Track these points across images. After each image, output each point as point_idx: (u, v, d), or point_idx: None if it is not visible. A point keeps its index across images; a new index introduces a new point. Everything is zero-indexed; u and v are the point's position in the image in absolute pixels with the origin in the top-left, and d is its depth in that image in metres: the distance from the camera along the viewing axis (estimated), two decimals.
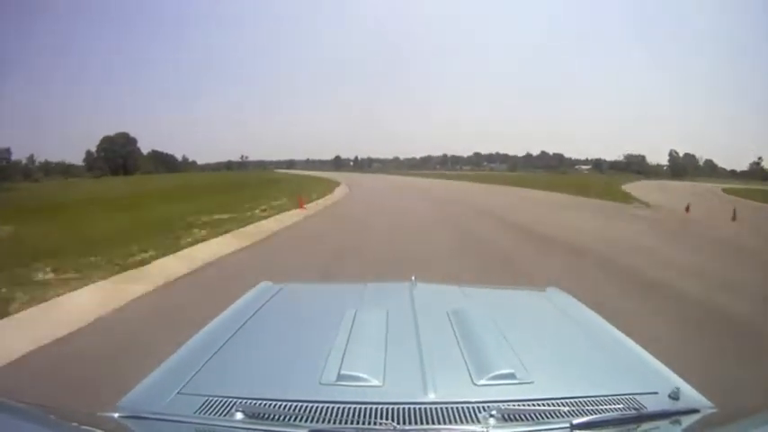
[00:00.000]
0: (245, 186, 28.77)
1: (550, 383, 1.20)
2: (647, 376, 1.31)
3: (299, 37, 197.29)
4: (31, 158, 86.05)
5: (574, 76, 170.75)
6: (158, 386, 1.23)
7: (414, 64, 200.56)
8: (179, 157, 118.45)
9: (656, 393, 1.20)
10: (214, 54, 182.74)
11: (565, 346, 1.55)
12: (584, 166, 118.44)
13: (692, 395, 1.23)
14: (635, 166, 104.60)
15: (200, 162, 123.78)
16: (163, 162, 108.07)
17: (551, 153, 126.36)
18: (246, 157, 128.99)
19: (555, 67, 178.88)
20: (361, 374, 1.18)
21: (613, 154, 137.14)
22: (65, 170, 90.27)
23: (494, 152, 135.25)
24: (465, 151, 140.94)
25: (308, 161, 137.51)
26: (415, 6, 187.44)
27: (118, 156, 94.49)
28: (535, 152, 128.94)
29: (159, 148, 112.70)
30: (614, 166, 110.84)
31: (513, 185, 35.71)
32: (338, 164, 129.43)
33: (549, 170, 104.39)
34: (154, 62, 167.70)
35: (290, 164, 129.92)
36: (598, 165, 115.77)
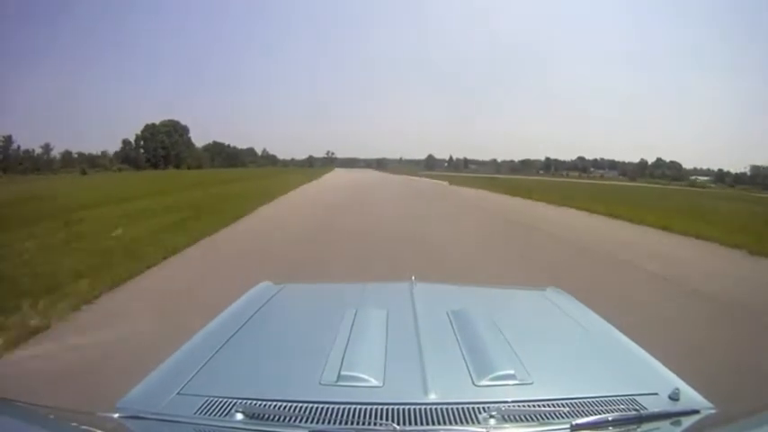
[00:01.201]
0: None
1: (550, 384, 1.20)
2: (647, 377, 1.31)
3: (394, 35, 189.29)
4: (46, 148, 76.63)
5: (703, 72, 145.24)
6: (158, 386, 1.22)
7: (514, 64, 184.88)
8: (258, 150, 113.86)
9: (656, 394, 1.19)
10: (303, 50, 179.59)
11: (565, 346, 1.55)
12: (701, 177, 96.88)
13: (692, 396, 1.22)
14: (761, 179, 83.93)
15: (282, 157, 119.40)
16: (223, 154, 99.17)
17: (667, 161, 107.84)
18: (333, 153, 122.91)
19: (675, 65, 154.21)
20: (361, 375, 1.18)
21: (738, 165, 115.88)
22: (91, 162, 79.52)
23: (599, 157, 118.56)
24: (567, 155, 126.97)
25: (400, 160, 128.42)
26: (514, 7, 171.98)
27: (159, 146, 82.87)
28: (650, 159, 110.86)
29: (239, 144, 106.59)
30: (739, 179, 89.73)
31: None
32: (431, 164, 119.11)
33: (666, 181, 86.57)
34: (248, 56, 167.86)
35: (380, 163, 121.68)
36: (720, 177, 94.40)
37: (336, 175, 55.96)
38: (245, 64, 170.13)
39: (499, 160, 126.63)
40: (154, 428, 1.09)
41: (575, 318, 1.78)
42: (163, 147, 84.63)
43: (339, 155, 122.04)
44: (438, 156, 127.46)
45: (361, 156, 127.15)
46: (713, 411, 1.17)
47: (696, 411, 1.14)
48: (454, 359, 1.29)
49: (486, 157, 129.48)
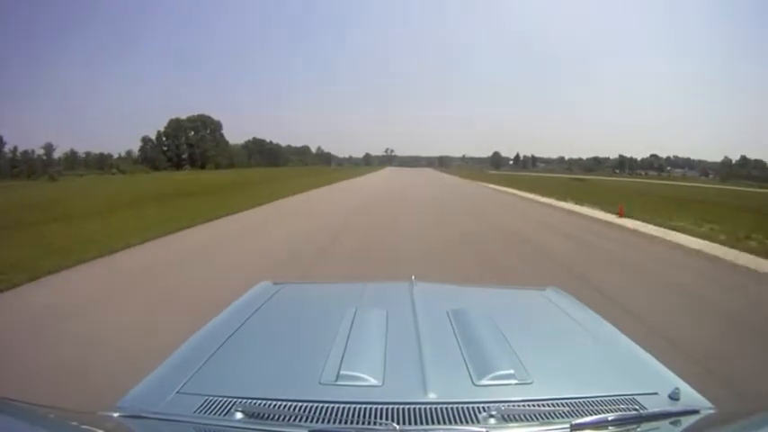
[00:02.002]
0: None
1: (550, 384, 1.20)
2: (647, 377, 1.31)
3: (459, 31, 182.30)
4: (48, 148, 69.08)
5: None
6: (158, 386, 1.22)
7: (583, 57, 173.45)
8: (313, 148, 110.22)
9: (655, 394, 1.20)
10: (364, 45, 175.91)
11: (565, 346, 1.55)
12: None
13: (691, 396, 1.22)
14: None
15: (340, 155, 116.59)
16: (264, 152, 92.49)
17: (752, 159, 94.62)
18: (392, 151, 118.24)
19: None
20: (360, 374, 1.18)
21: None
22: (100, 162, 73.36)
23: (672, 155, 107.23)
24: (639, 152, 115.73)
25: (463, 158, 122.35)
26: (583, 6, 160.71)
27: (184, 143, 76.03)
28: (735, 156, 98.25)
29: (293, 142, 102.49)
30: None
31: None
32: (496, 162, 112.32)
33: (758, 183, 70.86)
34: (304, 52, 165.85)
35: (442, 161, 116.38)
36: None
37: (377, 178, 49.51)
38: (301, 59, 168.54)
39: (567, 158, 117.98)
40: (154, 427, 1.09)
41: (574, 317, 1.77)
42: (189, 144, 78.89)
43: (399, 152, 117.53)
44: (504, 153, 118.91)
45: (423, 154, 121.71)
46: (713, 411, 1.17)
47: (696, 411, 1.14)
48: (454, 359, 1.29)
49: (553, 155, 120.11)
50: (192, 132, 79.82)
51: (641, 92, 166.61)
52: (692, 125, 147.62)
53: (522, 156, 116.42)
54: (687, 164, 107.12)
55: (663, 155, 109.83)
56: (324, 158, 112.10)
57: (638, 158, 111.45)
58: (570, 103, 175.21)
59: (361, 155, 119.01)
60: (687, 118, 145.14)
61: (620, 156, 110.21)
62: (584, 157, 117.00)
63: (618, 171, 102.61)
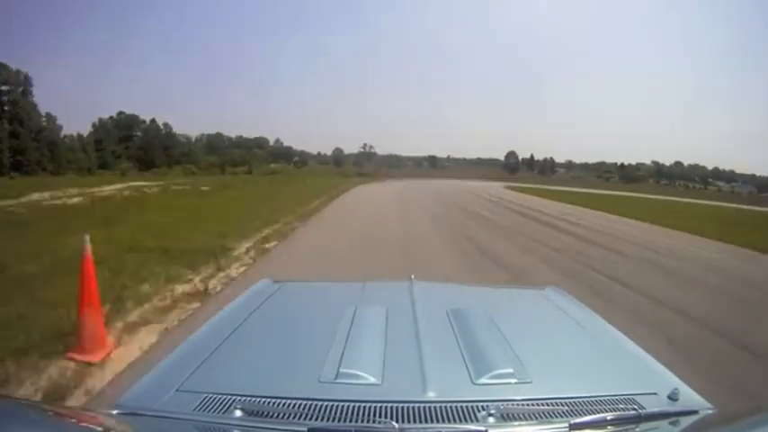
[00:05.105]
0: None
1: (549, 383, 1.20)
2: (646, 377, 1.31)
3: (451, 16, 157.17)
4: None
5: None
6: (157, 383, 1.22)
7: (593, 56, 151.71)
8: (272, 140, 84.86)
9: (654, 394, 1.20)
10: (341, 32, 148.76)
11: (564, 345, 1.55)
12: None
13: (690, 396, 1.23)
14: None
15: (307, 150, 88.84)
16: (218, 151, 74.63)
17: None
18: (371, 148, 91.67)
19: None
20: (360, 372, 1.18)
21: None
22: None
23: (722, 167, 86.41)
24: (667, 159, 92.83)
25: (478, 160, 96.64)
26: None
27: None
28: None
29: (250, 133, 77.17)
30: None
31: None
32: (511, 166, 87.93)
33: None
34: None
35: (433, 162, 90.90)
36: None
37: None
38: (260, 37, 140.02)
39: (591, 162, 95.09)
40: (153, 425, 1.09)
41: (574, 317, 1.77)
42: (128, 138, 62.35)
43: (379, 150, 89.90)
44: (496, 155, 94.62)
45: (406, 152, 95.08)
46: (712, 412, 1.17)
47: (695, 411, 1.14)
48: (453, 357, 1.29)
49: (558, 158, 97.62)
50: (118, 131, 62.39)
51: (677, 97, 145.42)
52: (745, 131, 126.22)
53: (537, 159, 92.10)
54: (731, 177, 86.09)
55: (711, 165, 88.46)
56: (284, 154, 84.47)
57: (666, 164, 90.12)
58: (575, 101, 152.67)
59: (330, 150, 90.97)
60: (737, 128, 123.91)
61: (655, 162, 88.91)
62: (591, 161, 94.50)
63: (665, 182, 79.98)
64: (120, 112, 64.69)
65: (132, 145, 63.20)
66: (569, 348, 1.51)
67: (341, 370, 1.19)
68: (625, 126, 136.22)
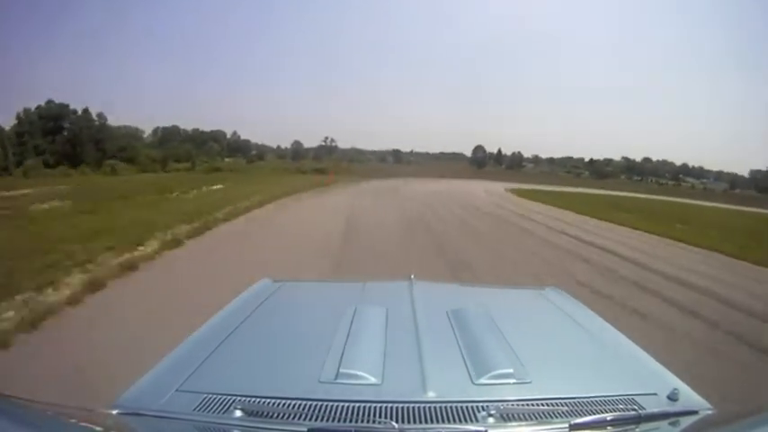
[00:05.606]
0: None
1: (549, 383, 1.20)
2: (646, 377, 1.31)
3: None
4: None
5: None
6: (157, 383, 1.22)
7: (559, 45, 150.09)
8: (229, 133, 77.77)
9: (654, 394, 1.20)
10: (300, 16, 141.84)
11: (564, 346, 1.55)
12: None
13: (690, 396, 1.23)
14: None
15: (266, 143, 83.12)
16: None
17: None
18: (333, 141, 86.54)
19: None
20: (359, 373, 1.19)
21: None
22: None
23: (691, 164, 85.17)
24: (635, 154, 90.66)
25: (441, 154, 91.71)
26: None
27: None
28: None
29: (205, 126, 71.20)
30: None
31: None
32: (478, 161, 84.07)
33: None
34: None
35: (397, 156, 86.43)
36: None
37: None
38: (215, 21, 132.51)
39: (557, 157, 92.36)
40: (153, 425, 1.09)
41: (574, 317, 1.77)
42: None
43: (341, 144, 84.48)
44: (461, 149, 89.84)
45: (369, 146, 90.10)
46: (711, 412, 1.17)
47: (694, 412, 1.15)
48: (453, 358, 1.29)
49: (526, 152, 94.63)
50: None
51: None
52: (701, 129, 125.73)
53: (501, 152, 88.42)
54: (700, 173, 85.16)
55: (680, 161, 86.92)
56: (242, 148, 78.79)
57: (637, 160, 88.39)
58: (540, 95, 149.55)
59: (289, 143, 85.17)
60: (696, 120, 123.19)
61: (625, 158, 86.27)
62: (556, 156, 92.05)
63: (638, 179, 78.23)
64: (49, 101, 57.46)
65: (60, 138, 56.86)
66: (569, 349, 1.51)
67: (341, 370, 1.19)
68: (591, 121, 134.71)
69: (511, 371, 1.21)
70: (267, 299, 1.85)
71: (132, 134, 68.76)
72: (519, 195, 30.03)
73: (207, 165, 58.16)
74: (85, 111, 58.48)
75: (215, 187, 23.49)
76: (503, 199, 27.21)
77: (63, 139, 56.06)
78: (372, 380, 1.16)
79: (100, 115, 60.10)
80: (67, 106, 57.90)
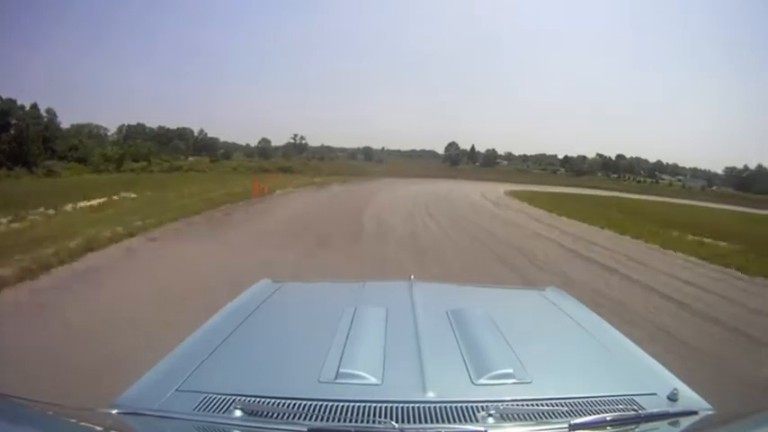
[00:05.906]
0: None
1: (549, 383, 1.20)
2: (646, 377, 1.31)
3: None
4: None
5: None
6: (157, 383, 1.22)
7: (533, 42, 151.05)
8: (196, 131, 74.96)
9: (654, 395, 1.20)
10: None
11: (564, 346, 1.55)
12: None
13: (690, 396, 1.23)
14: None
15: (234, 141, 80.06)
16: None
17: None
18: (302, 139, 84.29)
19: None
20: (359, 372, 1.19)
21: None
22: None
23: (665, 161, 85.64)
24: (608, 151, 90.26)
25: (412, 152, 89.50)
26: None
27: None
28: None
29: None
30: None
31: None
32: (452, 158, 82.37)
33: None
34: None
35: (368, 153, 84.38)
36: None
37: None
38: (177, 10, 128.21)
39: (530, 154, 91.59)
40: (152, 425, 1.09)
41: (574, 317, 1.76)
42: None
43: (311, 141, 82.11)
44: (433, 147, 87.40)
45: (340, 144, 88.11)
46: (711, 412, 1.17)
47: (694, 412, 1.15)
48: (453, 358, 1.29)
49: (499, 149, 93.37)
50: None
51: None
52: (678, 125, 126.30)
53: (475, 149, 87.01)
54: (674, 170, 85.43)
55: (654, 158, 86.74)
56: (208, 146, 75.78)
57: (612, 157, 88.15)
58: (512, 92, 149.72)
59: (256, 141, 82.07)
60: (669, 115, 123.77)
61: (599, 155, 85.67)
62: (530, 153, 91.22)
63: (616, 176, 77.94)
64: None
65: (6, 137, 53.46)
66: (569, 349, 1.51)
67: (341, 370, 1.19)
68: (564, 118, 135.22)
69: (511, 371, 1.20)
70: (267, 299, 1.85)
71: (88, 132, 65.19)
72: (535, 206, 22.33)
73: (167, 164, 55.47)
74: (33, 106, 54.72)
75: (126, 195, 17.20)
76: (529, 218, 17.83)
77: (9, 138, 52.85)
78: (372, 380, 1.16)
79: (49, 111, 55.99)
80: (15, 101, 54.54)
